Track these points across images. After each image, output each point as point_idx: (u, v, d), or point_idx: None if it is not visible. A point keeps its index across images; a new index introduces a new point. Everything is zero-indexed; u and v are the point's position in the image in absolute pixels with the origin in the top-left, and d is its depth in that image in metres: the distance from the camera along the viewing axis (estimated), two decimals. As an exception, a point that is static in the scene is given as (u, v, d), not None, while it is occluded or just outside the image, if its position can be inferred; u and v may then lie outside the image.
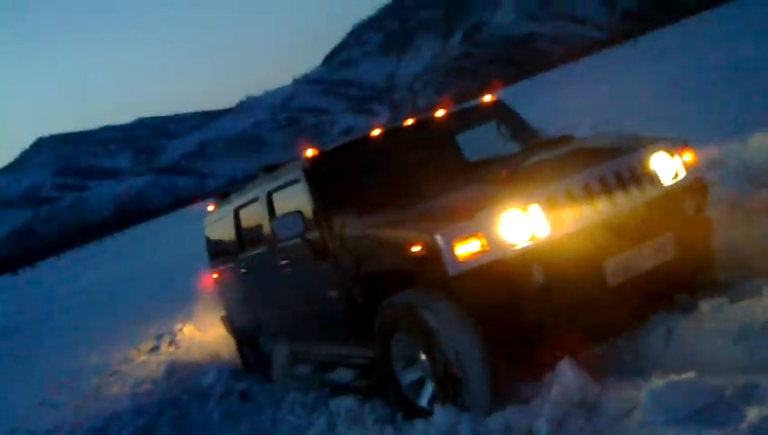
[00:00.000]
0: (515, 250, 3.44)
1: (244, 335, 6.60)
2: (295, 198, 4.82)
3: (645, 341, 3.67)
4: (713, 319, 3.40)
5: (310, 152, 4.82)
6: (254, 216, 5.64)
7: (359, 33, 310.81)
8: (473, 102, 5.44)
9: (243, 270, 6.07)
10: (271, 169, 5.40)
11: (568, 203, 3.57)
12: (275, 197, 5.21)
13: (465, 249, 3.42)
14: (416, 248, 3.55)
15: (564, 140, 4.73)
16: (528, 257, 3.44)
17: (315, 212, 4.58)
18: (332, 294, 4.58)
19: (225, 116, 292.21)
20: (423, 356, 3.67)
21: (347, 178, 4.86)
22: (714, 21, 39.19)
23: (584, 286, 3.50)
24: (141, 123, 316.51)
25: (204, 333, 7.99)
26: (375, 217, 4.20)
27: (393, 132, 5.06)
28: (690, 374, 3.07)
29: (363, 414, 4.39)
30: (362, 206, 4.43)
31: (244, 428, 5.21)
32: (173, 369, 7.13)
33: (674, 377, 3.08)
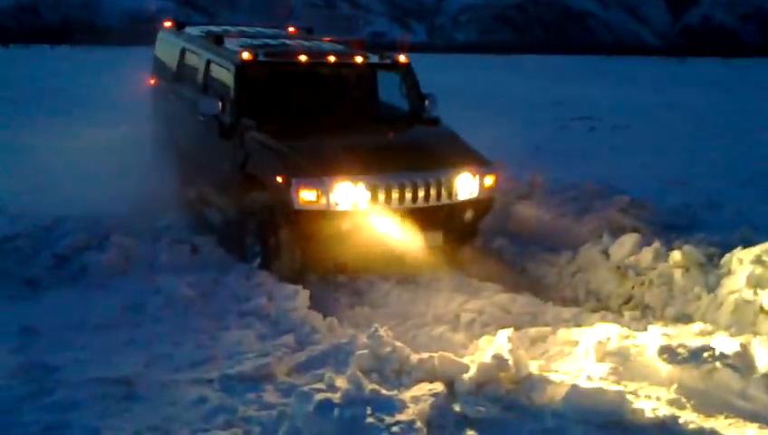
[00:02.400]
0: (337, 209, 5.04)
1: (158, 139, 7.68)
2: (224, 80, 5.98)
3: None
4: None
5: (246, 54, 5.76)
6: (193, 64, 6.78)
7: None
8: (389, 55, 6.52)
9: (172, 96, 7.16)
10: (219, 40, 6.39)
11: (384, 190, 5.12)
12: (212, 66, 6.33)
13: (306, 197, 5.00)
14: (278, 179, 5.13)
15: (432, 121, 6.28)
16: (343, 215, 5.06)
17: (232, 104, 5.72)
18: (226, 165, 5.89)
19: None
20: (261, 237, 5.43)
21: (266, 89, 5.88)
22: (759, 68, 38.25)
23: (372, 241, 5.18)
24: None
25: None
26: (271, 136, 5.46)
27: (319, 64, 6.08)
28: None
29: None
30: (268, 117, 5.66)
31: (189, 278, 5.14)
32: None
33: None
